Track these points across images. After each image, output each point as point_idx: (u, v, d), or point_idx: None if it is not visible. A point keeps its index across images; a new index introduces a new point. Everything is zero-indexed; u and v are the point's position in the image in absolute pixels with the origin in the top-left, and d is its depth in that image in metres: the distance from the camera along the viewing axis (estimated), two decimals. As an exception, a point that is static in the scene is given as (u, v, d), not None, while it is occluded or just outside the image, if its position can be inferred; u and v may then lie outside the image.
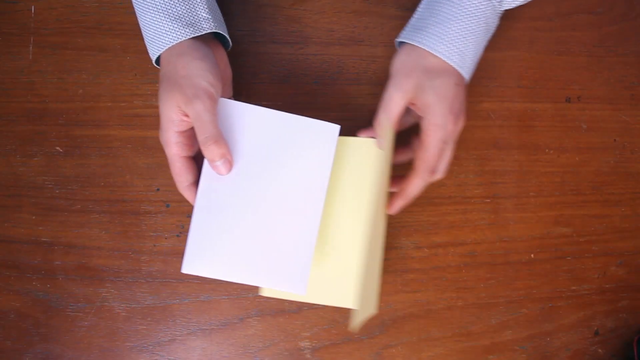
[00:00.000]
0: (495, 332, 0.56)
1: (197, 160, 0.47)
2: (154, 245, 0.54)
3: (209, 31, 0.46)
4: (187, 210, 0.54)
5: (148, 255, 0.54)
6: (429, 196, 0.56)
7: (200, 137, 0.43)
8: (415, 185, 0.48)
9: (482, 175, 0.57)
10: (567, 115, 0.59)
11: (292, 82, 0.56)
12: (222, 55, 0.50)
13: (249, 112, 0.47)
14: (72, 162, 0.54)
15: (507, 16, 0.57)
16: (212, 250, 0.46)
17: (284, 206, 0.47)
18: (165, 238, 0.54)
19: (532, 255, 0.57)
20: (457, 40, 0.46)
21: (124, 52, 0.55)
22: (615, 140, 0.59)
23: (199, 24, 0.46)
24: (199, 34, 0.46)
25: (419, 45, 0.46)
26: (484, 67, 0.58)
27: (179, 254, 0.54)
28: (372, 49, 0.57)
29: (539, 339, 0.57)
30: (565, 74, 0.59)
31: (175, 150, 0.45)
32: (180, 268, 0.54)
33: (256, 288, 0.54)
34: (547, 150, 0.58)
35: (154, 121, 0.55)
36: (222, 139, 0.44)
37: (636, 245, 0.59)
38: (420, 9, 0.49)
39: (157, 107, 0.54)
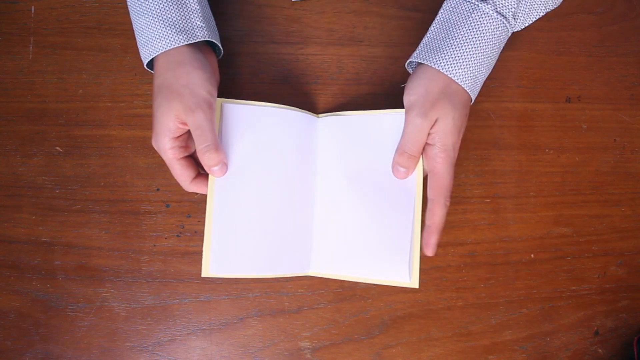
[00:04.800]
0: (495, 332, 0.56)
1: (193, 155, 0.49)
2: (154, 245, 0.54)
3: (202, 39, 0.47)
4: (187, 210, 0.54)
5: (148, 255, 0.54)
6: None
7: (201, 146, 0.45)
8: (440, 215, 0.47)
9: (482, 175, 0.57)
10: (567, 115, 0.59)
11: (292, 82, 0.56)
12: (214, 62, 0.51)
13: (250, 111, 0.49)
14: (72, 162, 0.54)
15: (507, 16, 0.57)
16: (235, 249, 0.48)
17: (288, 196, 0.50)
18: (165, 238, 0.54)
19: (532, 255, 0.57)
20: (473, 65, 0.46)
21: (124, 52, 0.55)
22: (615, 140, 0.59)
23: (192, 31, 0.46)
24: (192, 42, 0.46)
25: (442, 70, 0.46)
26: (484, 67, 0.58)
27: (179, 254, 0.54)
28: (372, 49, 0.57)
29: (539, 339, 0.57)
30: (565, 74, 0.59)
31: (171, 155, 0.46)
32: (180, 268, 0.54)
33: (257, 287, 0.54)
34: (547, 150, 0.58)
35: (154, 121, 0.55)
36: (220, 146, 0.46)
37: (636, 245, 0.59)
38: (434, 28, 0.49)
39: (157, 107, 0.55)
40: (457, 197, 0.56)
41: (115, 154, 0.55)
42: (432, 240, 0.48)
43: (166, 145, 0.46)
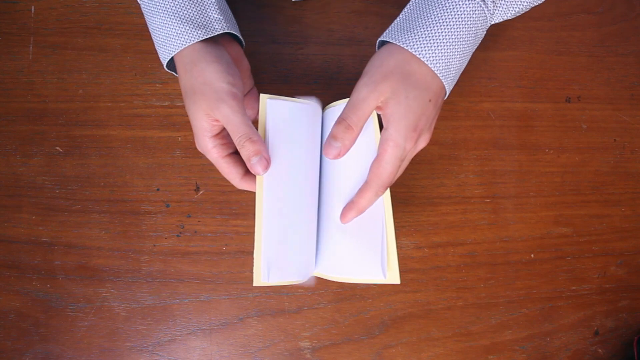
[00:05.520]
0: (495, 332, 0.56)
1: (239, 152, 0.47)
2: (154, 245, 0.54)
3: (220, 32, 0.46)
4: (187, 210, 0.54)
5: (148, 255, 0.54)
6: (429, 196, 0.56)
7: (235, 138, 0.43)
8: (367, 199, 0.44)
9: (482, 175, 0.57)
10: (567, 115, 0.59)
11: (292, 82, 0.56)
12: (237, 50, 0.49)
13: (292, 107, 0.47)
14: (72, 162, 0.54)
15: (507, 16, 0.57)
16: (284, 255, 0.45)
17: (315, 196, 0.48)
18: (165, 238, 0.54)
19: (532, 255, 0.57)
20: (444, 47, 0.43)
21: (124, 52, 0.55)
22: (615, 140, 0.59)
23: (210, 25, 0.45)
24: (211, 35, 0.45)
25: (404, 47, 0.43)
26: (484, 67, 0.58)
27: (179, 254, 0.54)
28: (372, 49, 0.57)
29: (539, 339, 0.57)
30: (565, 74, 0.59)
31: (215, 154, 0.45)
32: (180, 268, 0.54)
33: (257, 287, 0.54)
34: (547, 150, 0.58)
35: (154, 121, 0.55)
36: (255, 135, 0.43)
37: (636, 245, 0.59)
38: (407, 9, 0.46)
39: (156, 106, 0.55)
40: (457, 197, 0.57)
41: (115, 154, 0.55)
42: (350, 215, 0.45)
43: (208, 145, 0.45)
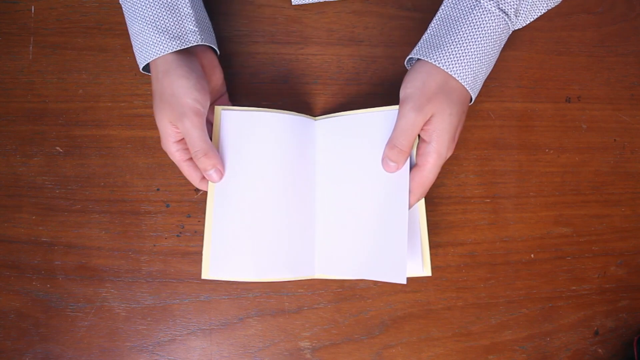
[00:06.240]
0: (495, 332, 0.56)
1: None
2: (154, 245, 0.54)
3: (195, 44, 0.48)
4: (187, 210, 0.54)
5: (148, 255, 0.54)
6: (429, 196, 0.56)
7: (192, 151, 0.47)
8: (410, 205, 0.48)
9: (482, 175, 0.57)
10: (567, 115, 0.59)
11: (292, 82, 0.56)
12: (211, 59, 0.51)
13: (248, 117, 0.50)
14: (72, 162, 0.54)
15: (507, 16, 0.57)
16: (235, 252, 0.48)
17: (288, 200, 0.50)
18: (165, 238, 0.54)
19: (532, 255, 0.57)
20: (473, 63, 0.46)
21: (124, 52, 0.55)
22: (615, 140, 0.59)
23: (185, 36, 0.47)
24: (185, 47, 0.47)
25: (440, 66, 0.46)
26: (484, 67, 0.58)
27: (179, 254, 0.54)
28: (372, 49, 0.57)
29: (539, 339, 0.57)
30: (565, 74, 0.59)
31: (178, 157, 0.48)
32: (180, 268, 0.54)
33: (257, 287, 0.54)
34: (547, 150, 0.58)
35: (154, 121, 0.55)
36: (211, 151, 0.47)
37: (636, 245, 0.59)
38: (434, 24, 0.48)
39: (157, 107, 0.55)
40: (457, 197, 0.57)
41: (115, 154, 0.55)
42: None
43: (171, 149, 0.48)
